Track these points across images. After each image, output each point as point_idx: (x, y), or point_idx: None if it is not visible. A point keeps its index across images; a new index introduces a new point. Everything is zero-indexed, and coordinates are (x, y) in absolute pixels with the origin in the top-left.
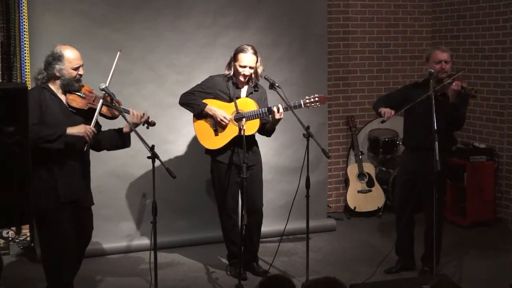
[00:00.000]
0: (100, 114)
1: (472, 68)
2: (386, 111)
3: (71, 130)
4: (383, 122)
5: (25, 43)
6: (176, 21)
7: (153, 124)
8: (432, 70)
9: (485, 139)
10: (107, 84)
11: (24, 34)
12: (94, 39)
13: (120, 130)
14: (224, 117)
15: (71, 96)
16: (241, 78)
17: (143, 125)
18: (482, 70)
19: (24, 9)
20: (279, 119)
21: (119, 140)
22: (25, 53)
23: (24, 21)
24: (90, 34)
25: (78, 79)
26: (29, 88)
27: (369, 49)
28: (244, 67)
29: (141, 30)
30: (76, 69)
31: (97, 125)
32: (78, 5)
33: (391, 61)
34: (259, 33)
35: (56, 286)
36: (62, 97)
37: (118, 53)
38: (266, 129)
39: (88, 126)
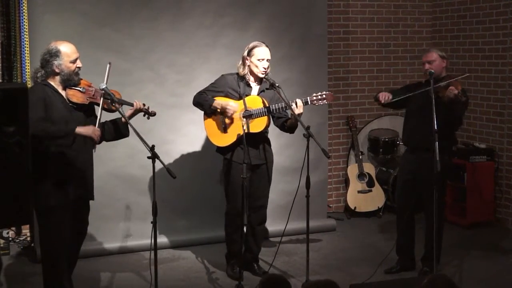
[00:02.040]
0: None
1: (472, 68)
2: (383, 94)
3: (80, 130)
4: (381, 104)
5: (25, 43)
6: (176, 21)
7: (153, 114)
8: (432, 70)
9: (485, 139)
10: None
11: (24, 34)
12: (94, 39)
13: (118, 120)
14: (231, 106)
15: (70, 92)
16: (261, 74)
17: (144, 115)
18: (482, 70)
19: (24, 9)
20: (299, 114)
21: (118, 130)
22: (25, 53)
23: (24, 21)
24: (90, 34)
25: (77, 72)
26: (29, 88)
27: (369, 49)
28: (262, 60)
29: (141, 30)
30: (74, 61)
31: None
32: (78, 5)
33: (391, 61)
34: (259, 33)
35: (54, 284)
36: (63, 93)
37: (108, 65)
38: (288, 125)
39: (97, 129)
